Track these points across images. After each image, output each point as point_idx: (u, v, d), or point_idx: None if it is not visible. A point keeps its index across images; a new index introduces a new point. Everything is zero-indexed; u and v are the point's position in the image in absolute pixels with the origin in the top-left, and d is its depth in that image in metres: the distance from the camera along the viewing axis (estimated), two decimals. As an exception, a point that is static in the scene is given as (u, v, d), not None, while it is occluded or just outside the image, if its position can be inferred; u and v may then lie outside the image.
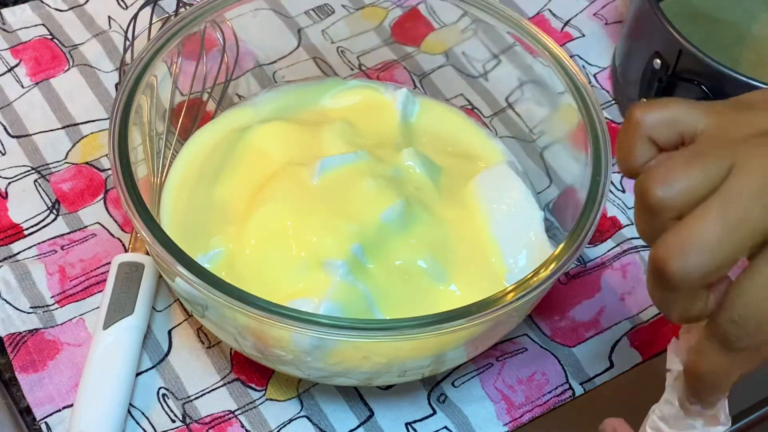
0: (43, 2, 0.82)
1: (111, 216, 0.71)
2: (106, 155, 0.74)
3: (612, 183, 0.75)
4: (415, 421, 0.64)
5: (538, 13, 0.84)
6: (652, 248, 0.45)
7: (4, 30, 0.80)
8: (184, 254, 0.57)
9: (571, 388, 0.66)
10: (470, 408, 0.64)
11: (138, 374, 0.64)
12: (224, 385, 0.64)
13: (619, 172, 0.71)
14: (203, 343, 0.66)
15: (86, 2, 0.82)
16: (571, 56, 0.73)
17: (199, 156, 0.68)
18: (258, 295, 0.55)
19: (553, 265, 0.58)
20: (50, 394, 0.63)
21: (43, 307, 0.66)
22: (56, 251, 0.69)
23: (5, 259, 0.68)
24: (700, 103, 0.48)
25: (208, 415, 0.63)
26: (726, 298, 0.45)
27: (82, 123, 0.75)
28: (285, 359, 0.60)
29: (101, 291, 0.67)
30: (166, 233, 0.58)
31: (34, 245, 0.69)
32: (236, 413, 0.63)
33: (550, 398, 0.65)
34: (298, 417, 0.64)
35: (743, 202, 0.43)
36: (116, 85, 0.77)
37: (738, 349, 0.45)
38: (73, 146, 0.74)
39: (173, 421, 0.63)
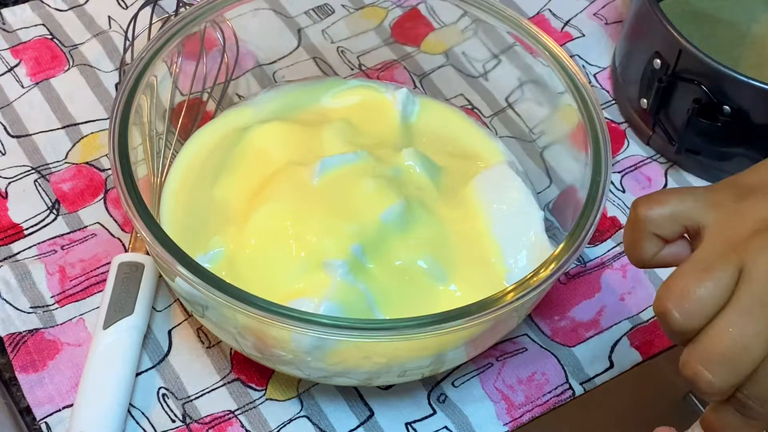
0: (43, 2, 0.82)
1: (111, 216, 0.71)
2: (106, 155, 0.74)
3: (612, 183, 0.75)
4: (415, 421, 0.64)
5: (538, 13, 0.84)
6: (681, 365, 0.47)
7: (4, 30, 0.80)
8: (184, 254, 0.57)
9: (571, 388, 0.66)
10: (470, 408, 0.64)
11: (138, 374, 0.64)
12: (224, 385, 0.64)
13: (619, 172, 0.72)
14: (203, 343, 0.66)
15: (86, 2, 0.82)
16: (571, 56, 0.73)
17: (199, 156, 0.68)
18: (258, 295, 0.55)
19: (553, 265, 0.58)
20: (50, 394, 0.63)
21: (43, 307, 0.66)
22: (56, 251, 0.69)
23: (5, 259, 0.68)
24: (701, 193, 0.49)
25: (208, 415, 0.63)
26: (750, 378, 0.46)
27: (82, 123, 0.75)
28: (285, 359, 0.60)
29: (101, 291, 0.67)
30: (166, 233, 0.58)
31: (34, 245, 0.69)
32: (236, 413, 0.63)
33: (550, 398, 0.65)
34: (298, 417, 0.64)
35: (757, 311, 0.45)
36: (116, 85, 0.77)
37: (754, 418, 0.48)
38: (73, 146, 0.74)
39: (173, 421, 0.63)
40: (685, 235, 0.50)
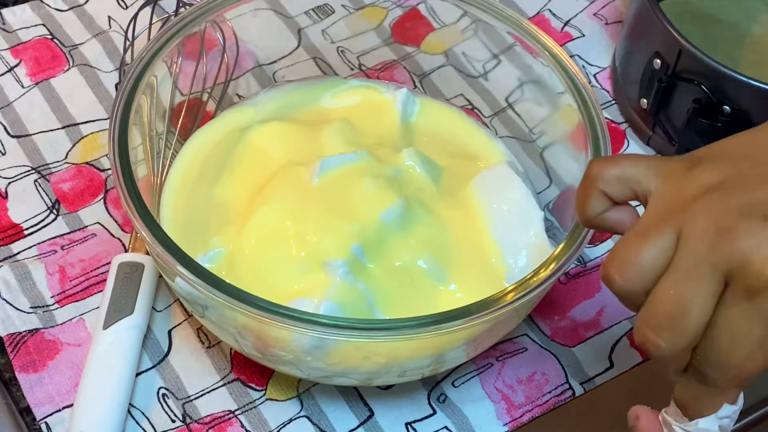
0: (43, 2, 0.82)
1: (111, 216, 0.71)
2: (106, 155, 0.74)
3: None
4: (415, 421, 0.64)
5: (538, 13, 0.84)
6: (633, 332, 0.48)
7: (4, 30, 0.80)
8: (184, 254, 0.57)
9: (571, 388, 0.66)
10: (470, 408, 0.64)
11: (138, 374, 0.64)
12: (224, 385, 0.64)
13: None
14: (203, 343, 0.66)
15: (86, 2, 0.82)
16: (571, 56, 0.73)
17: (199, 156, 0.68)
18: (258, 295, 0.55)
19: (553, 265, 0.58)
20: (50, 394, 0.63)
21: (43, 307, 0.66)
22: (56, 251, 0.69)
23: (5, 259, 0.68)
24: (655, 162, 0.50)
25: (208, 415, 0.63)
26: (699, 345, 0.47)
27: (82, 123, 0.75)
28: (285, 359, 0.60)
29: (101, 291, 0.67)
30: (166, 233, 0.58)
31: (34, 245, 0.69)
32: (236, 413, 0.63)
33: (550, 398, 0.65)
34: (298, 417, 0.64)
35: (694, 271, 0.46)
36: (116, 85, 0.77)
37: (714, 385, 0.48)
38: (73, 146, 0.74)
39: (173, 421, 0.63)
40: (636, 205, 0.51)
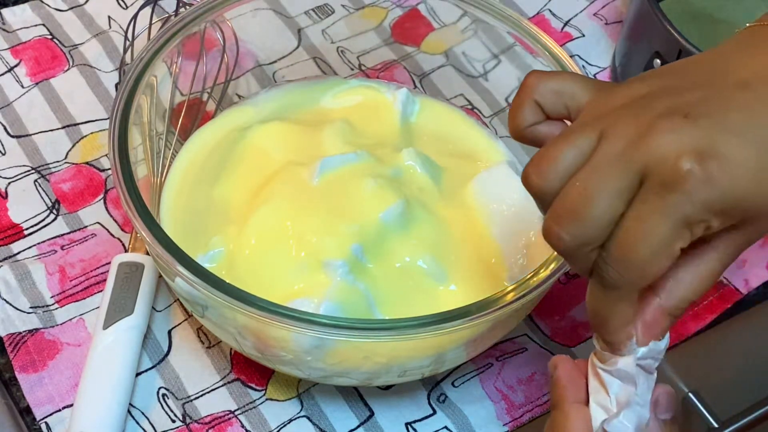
0: (43, 2, 0.82)
1: (111, 216, 0.71)
2: (106, 155, 0.74)
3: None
4: (415, 421, 0.64)
5: (538, 13, 0.84)
6: (542, 230, 0.48)
7: (4, 30, 0.80)
8: (184, 254, 0.57)
9: (571, 388, 0.66)
10: (470, 408, 0.64)
11: (138, 374, 0.64)
12: (224, 385, 0.64)
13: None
14: (203, 343, 0.66)
15: (86, 2, 0.82)
16: (571, 56, 0.73)
17: (199, 156, 0.68)
18: (258, 295, 0.55)
19: (553, 265, 0.58)
20: (50, 394, 0.63)
21: (43, 307, 0.66)
22: (56, 251, 0.69)
23: (5, 259, 0.68)
24: (592, 81, 0.51)
25: (208, 415, 0.63)
26: (605, 245, 0.46)
27: (82, 123, 0.75)
28: (285, 359, 0.60)
29: (101, 291, 0.67)
30: (166, 233, 0.58)
31: (34, 245, 0.69)
32: (236, 413, 0.63)
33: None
34: (298, 417, 0.64)
35: (605, 168, 0.45)
36: (116, 85, 0.77)
37: (617, 287, 0.47)
38: (73, 146, 0.74)
39: (173, 421, 0.63)
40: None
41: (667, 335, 0.51)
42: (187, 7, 0.72)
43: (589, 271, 0.48)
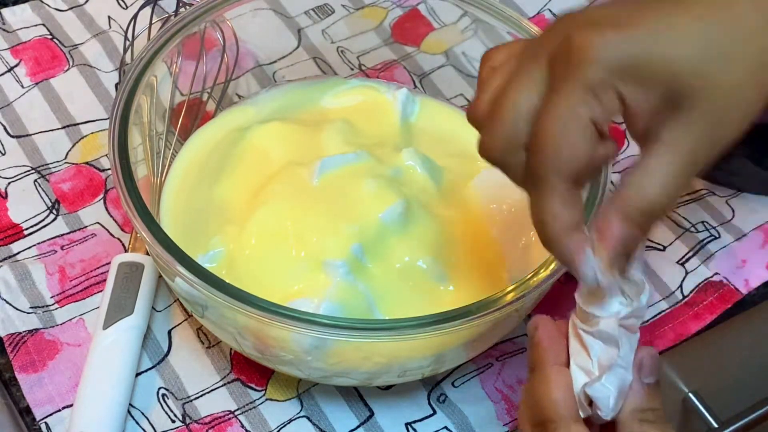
0: (43, 2, 0.82)
1: (111, 216, 0.71)
2: (106, 155, 0.74)
3: (612, 183, 0.75)
4: (415, 421, 0.64)
5: (538, 13, 0.84)
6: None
7: (4, 30, 0.80)
8: (184, 254, 0.57)
9: (571, 388, 0.65)
10: (470, 408, 0.64)
11: (138, 374, 0.64)
12: (224, 385, 0.64)
13: (619, 172, 0.72)
14: (203, 343, 0.66)
15: (86, 2, 0.82)
16: (571, 56, 0.73)
17: (199, 156, 0.68)
18: (258, 295, 0.55)
19: (553, 265, 0.58)
20: (50, 394, 0.63)
21: (42, 307, 0.66)
22: (56, 251, 0.69)
23: (5, 259, 0.68)
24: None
25: (208, 415, 0.63)
26: (528, 142, 0.47)
27: (82, 123, 0.75)
28: (285, 359, 0.60)
29: (101, 291, 0.67)
30: (166, 233, 0.58)
31: (34, 245, 0.69)
32: (236, 413, 0.63)
33: (550, 398, 0.65)
34: (298, 417, 0.64)
35: (517, 72, 0.48)
36: (116, 85, 0.77)
37: (541, 177, 0.47)
38: (73, 146, 0.74)
39: (173, 422, 0.63)
40: None
41: (647, 289, 0.49)
42: (187, 7, 0.72)
43: (523, 180, 0.49)
